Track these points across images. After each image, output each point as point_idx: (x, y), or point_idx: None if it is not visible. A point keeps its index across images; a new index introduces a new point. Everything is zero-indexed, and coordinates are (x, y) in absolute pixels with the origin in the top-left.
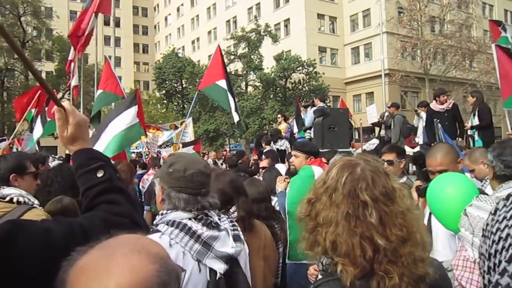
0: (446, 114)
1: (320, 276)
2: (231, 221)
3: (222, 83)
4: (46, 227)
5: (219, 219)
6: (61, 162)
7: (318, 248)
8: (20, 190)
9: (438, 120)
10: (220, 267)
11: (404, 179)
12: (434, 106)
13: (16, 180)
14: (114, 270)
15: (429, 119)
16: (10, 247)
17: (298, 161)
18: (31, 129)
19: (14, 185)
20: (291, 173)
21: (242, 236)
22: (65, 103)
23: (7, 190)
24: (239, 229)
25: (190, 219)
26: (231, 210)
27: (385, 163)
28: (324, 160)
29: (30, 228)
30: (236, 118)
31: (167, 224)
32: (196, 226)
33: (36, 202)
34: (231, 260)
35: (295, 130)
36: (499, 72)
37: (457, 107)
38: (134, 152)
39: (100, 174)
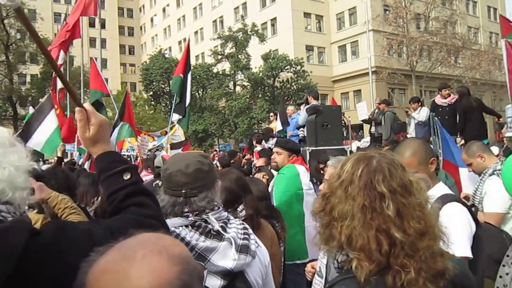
0: (447, 109)
1: (336, 274)
2: (244, 228)
3: (181, 77)
4: (88, 228)
5: (226, 225)
6: (52, 165)
7: (333, 243)
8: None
9: (434, 114)
10: (214, 283)
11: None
12: (438, 100)
13: None
14: (134, 273)
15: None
16: (56, 249)
17: (280, 158)
18: (25, 132)
19: None
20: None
21: (252, 247)
22: (86, 104)
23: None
24: (251, 237)
25: (187, 226)
26: (239, 209)
27: None
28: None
29: (74, 230)
30: (175, 116)
31: None
32: (191, 236)
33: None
34: (231, 275)
35: (278, 128)
36: (507, 68)
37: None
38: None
39: (127, 177)
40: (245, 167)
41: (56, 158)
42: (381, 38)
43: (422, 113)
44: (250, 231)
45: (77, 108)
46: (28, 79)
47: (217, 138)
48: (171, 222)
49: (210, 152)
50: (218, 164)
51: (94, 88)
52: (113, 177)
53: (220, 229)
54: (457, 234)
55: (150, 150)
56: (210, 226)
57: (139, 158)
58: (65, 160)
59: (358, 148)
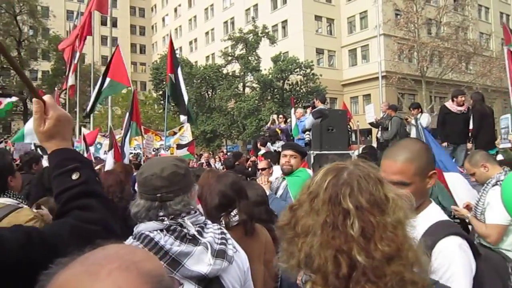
0: (461, 117)
1: None
2: (222, 233)
3: (171, 76)
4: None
5: (202, 229)
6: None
7: (292, 261)
8: (12, 200)
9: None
10: None
11: None
12: (451, 106)
13: (11, 180)
14: None
15: (442, 119)
16: None
17: (296, 161)
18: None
19: (11, 186)
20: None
21: (230, 252)
22: (46, 97)
23: (1, 200)
24: (229, 242)
25: (161, 230)
26: (232, 214)
27: None
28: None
29: None
30: (182, 118)
31: (134, 238)
32: (166, 240)
33: (25, 206)
34: (206, 280)
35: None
36: (510, 76)
37: (469, 110)
38: (131, 153)
39: (75, 177)
40: (250, 169)
41: None
42: (391, 43)
43: (427, 120)
44: (228, 235)
45: (34, 99)
46: (39, 75)
47: (225, 139)
48: (145, 226)
49: (217, 153)
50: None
51: (114, 78)
52: (61, 176)
53: (196, 233)
54: (458, 281)
55: (157, 149)
56: (185, 230)
57: (144, 157)
58: None
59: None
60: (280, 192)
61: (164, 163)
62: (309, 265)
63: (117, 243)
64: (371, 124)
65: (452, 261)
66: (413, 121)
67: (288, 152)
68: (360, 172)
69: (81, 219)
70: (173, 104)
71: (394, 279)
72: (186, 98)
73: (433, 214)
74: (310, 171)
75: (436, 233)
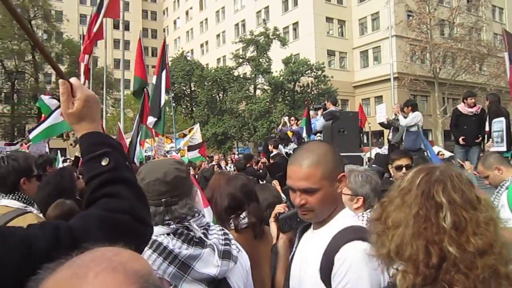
0: (473, 118)
1: None
2: (224, 234)
3: (154, 79)
4: (25, 235)
5: (207, 231)
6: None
7: (383, 250)
8: (18, 203)
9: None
10: None
11: None
12: (462, 108)
13: (24, 183)
14: None
15: (455, 121)
16: None
17: None
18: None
19: (23, 188)
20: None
21: (234, 252)
22: (72, 79)
23: (5, 201)
24: (232, 242)
25: (168, 234)
26: (242, 216)
27: (396, 170)
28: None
29: (10, 238)
30: (150, 119)
31: None
32: (174, 244)
33: (34, 209)
34: (215, 282)
35: (304, 134)
36: (510, 81)
37: (485, 112)
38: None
39: (105, 162)
40: (261, 171)
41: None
42: (404, 44)
43: (409, 119)
44: (231, 236)
45: (60, 81)
46: (53, 78)
47: (236, 141)
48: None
49: (228, 155)
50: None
51: (137, 75)
52: (91, 162)
53: (202, 235)
54: None
55: (167, 152)
56: (192, 233)
57: (156, 158)
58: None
59: (376, 154)
60: None
61: (165, 167)
62: (400, 255)
63: (109, 247)
64: (381, 124)
65: (350, 268)
66: (400, 117)
67: None
68: (452, 171)
69: (109, 208)
70: (184, 107)
71: (487, 271)
72: (162, 102)
73: (342, 219)
74: None
75: (340, 239)
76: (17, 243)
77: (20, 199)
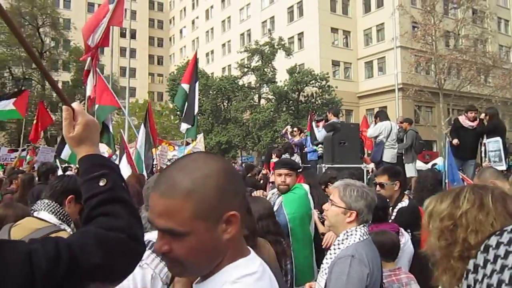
0: (471, 133)
1: None
2: None
3: (185, 87)
4: (28, 251)
5: None
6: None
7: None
8: (55, 219)
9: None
10: None
11: (405, 202)
12: (463, 120)
13: (70, 202)
14: None
15: (455, 132)
16: None
17: (292, 179)
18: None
19: (66, 206)
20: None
21: None
22: (74, 104)
23: (44, 214)
24: None
25: None
26: None
27: (377, 186)
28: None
29: (8, 253)
30: (184, 126)
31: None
32: None
33: (68, 228)
34: None
35: (308, 144)
36: None
37: (484, 125)
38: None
39: (102, 183)
40: (261, 181)
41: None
42: (408, 55)
43: (371, 130)
44: None
45: (64, 107)
46: (60, 85)
47: (240, 150)
48: (152, 234)
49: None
50: None
51: (99, 103)
52: (89, 182)
53: None
54: None
55: (169, 160)
56: None
57: (158, 167)
58: None
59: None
60: (275, 208)
61: None
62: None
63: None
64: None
65: None
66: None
67: (283, 171)
68: (503, 191)
69: (105, 227)
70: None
71: None
72: (196, 110)
73: (227, 276)
74: (305, 186)
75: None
76: (18, 260)
77: (58, 214)
